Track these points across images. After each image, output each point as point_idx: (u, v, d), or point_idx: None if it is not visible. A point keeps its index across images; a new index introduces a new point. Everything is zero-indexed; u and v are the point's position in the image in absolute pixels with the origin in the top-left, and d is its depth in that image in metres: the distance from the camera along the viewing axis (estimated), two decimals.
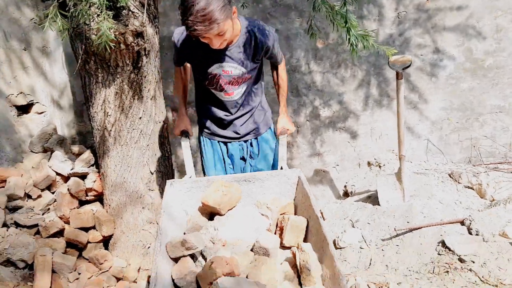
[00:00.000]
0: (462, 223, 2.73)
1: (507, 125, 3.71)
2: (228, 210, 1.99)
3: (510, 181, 3.30)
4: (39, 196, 3.03)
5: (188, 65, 2.40)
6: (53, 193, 3.07)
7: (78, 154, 3.26)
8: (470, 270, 2.35)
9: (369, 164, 3.78)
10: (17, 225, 2.88)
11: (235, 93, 2.25)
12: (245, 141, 2.45)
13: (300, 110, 3.54)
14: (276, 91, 2.51)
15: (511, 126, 3.70)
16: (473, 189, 3.25)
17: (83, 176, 3.05)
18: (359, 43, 2.45)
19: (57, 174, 3.09)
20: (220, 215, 1.99)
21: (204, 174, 2.56)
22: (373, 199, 3.32)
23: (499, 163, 3.69)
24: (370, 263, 2.70)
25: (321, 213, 3.72)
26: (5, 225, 2.82)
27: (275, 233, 1.99)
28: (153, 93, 2.69)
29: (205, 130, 2.45)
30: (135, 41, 2.35)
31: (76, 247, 2.89)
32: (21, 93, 3.15)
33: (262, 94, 2.45)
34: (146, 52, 2.49)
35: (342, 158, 3.71)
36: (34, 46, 3.14)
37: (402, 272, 2.55)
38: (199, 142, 2.52)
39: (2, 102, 3.04)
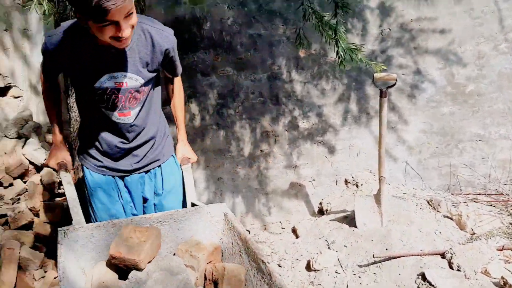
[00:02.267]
0: (443, 255, 2.65)
1: (486, 155, 3.67)
2: (148, 263, 1.53)
3: (490, 214, 3.23)
4: (11, 185, 2.93)
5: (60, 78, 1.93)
6: (25, 182, 2.96)
7: None
8: None
9: (346, 182, 3.70)
10: None
11: (132, 113, 1.76)
12: (146, 172, 1.93)
13: (279, 119, 3.50)
14: (172, 111, 2.07)
15: (491, 156, 3.67)
16: (452, 219, 3.18)
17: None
18: (347, 56, 2.47)
19: (30, 163, 2.99)
20: (138, 269, 1.49)
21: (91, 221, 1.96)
22: (349, 220, 3.24)
23: (478, 194, 3.63)
24: None
25: (295, 230, 3.63)
26: None
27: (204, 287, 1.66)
28: None
29: (92, 161, 1.88)
30: None
31: (44, 242, 2.74)
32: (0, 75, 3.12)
33: (162, 114, 1.98)
34: None
35: (319, 172, 3.64)
36: (16, 27, 3.13)
37: None
38: (84, 177, 1.93)
39: None
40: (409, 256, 2.66)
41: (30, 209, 2.80)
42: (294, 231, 3.65)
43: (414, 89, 3.51)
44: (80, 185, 2.09)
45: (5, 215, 2.79)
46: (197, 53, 3.27)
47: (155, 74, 1.76)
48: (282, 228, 3.72)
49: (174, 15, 3.16)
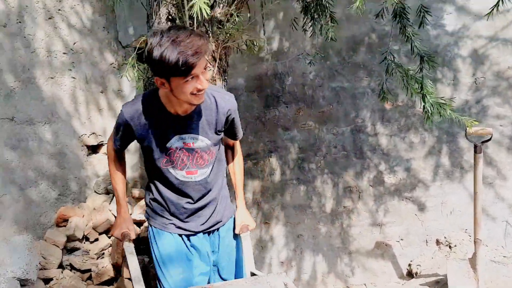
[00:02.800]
0: None
1: None
2: None
3: None
4: (96, 240, 3.02)
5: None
6: (109, 237, 3.05)
7: (139, 199, 3.24)
8: None
9: (438, 242, 3.39)
10: (71, 267, 2.86)
11: (199, 172, 1.85)
12: (210, 233, 1.99)
13: (363, 174, 3.34)
14: (231, 177, 2.12)
15: None
16: None
17: (140, 223, 2.97)
18: (434, 111, 2.32)
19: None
20: None
21: (156, 280, 2.00)
22: (441, 285, 2.95)
23: None
24: None
25: None
26: (60, 266, 2.82)
27: None
28: None
29: (160, 220, 1.94)
30: None
31: None
32: (93, 133, 3.30)
33: (224, 176, 2.03)
34: None
35: (408, 232, 3.38)
36: (110, 89, 3.33)
37: None
38: (151, 236, 1.98)
39: (75, 142, 3.18)
40: None
41: (113, 265, 2.84)
42: None
43: None
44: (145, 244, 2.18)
45: (89, 270, 2.85)
46: (278, 108, 3.25)
47: (219, 136, 1.88)
48: None
49: (257, 72, 3.19)
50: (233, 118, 1.88)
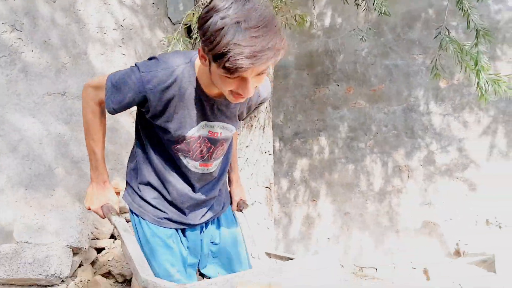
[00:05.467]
0: None
1: None
2: None
3: None
4: None
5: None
6: None
7: None
8: None
9: (487, 222, 3.34)
10: None
11: (213, 164, 1.52)
12: (208, 223, 1.65)
13: (413, 153, 3.28)
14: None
15: None
16: None
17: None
18: (489, 87, 2.23)
19: None
20: None
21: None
22: (489, 264, 2.92)
23: None
24: None
25: (426, 271, 3.36)
26: (112, 236, 2.88)
27: None
28: (263, 123, 2.67)
29: (152, 212, 1.53)
30: None
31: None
32: None
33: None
34: None
35: (457, 211, 3.34)
36: None
37: None
38: (139, 230, 1.56)
39: (125, 118, 3.23)
40: None
41: None
42: (425, 272, 3.38)
43: None
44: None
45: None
46: (329, 86, 3.20)
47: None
48: (413, 268, 3.47)
49: (308, 49, 3.13)
50: (261, 105, 1.57)
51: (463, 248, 3.33)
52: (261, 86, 1.43)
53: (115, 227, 1.47)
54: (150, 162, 1.49)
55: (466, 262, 3.12)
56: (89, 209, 1.55)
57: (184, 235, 1.59)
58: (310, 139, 3.34)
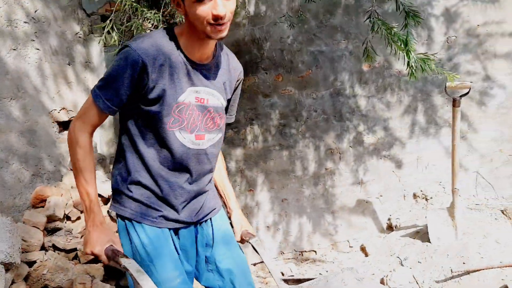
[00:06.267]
0: None
1: None
2: None
3: None
4: (78, 218, 2.90)
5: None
6: None
7: None
8: None
9: (415, 196, 3.56)
10: (55, 248, 2.75)
11: (206, 137, 1.50)
12: (200, 223, 1.61)
13: (343, 136, 3.40)
14: (219, 173, 1.72)
15: None
16: None
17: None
18: (418, 66, 2.37)
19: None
20: None
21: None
22: (422, 235, 3.13)
23: None
24: None
25: (364, 248, 3.51)
26: (43, 248, 2.69)
27: None
28: None
29: (142, 212, 1.48)
30: None
31: (113, 275, 2.71)
32: (63, 108, 3.12)
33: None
34: None
35: (386, 188, 3.51)
36: (78, 61, 3.14)
37: None
38: (133, 235, 1.49)
39: (44, 118, 3.00)
40: (489, 269, 2.56)
41: None
42: (363, 249, 3.53)
43: (484, 96, 3.35)
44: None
45: (75, 250, 2.77)
46: (258, 74, 3.21)
47: (227, 104, 1.59)
48: (350, 246, 3.60)
49: (234, 38, 3.10)
50: (239, 90, 1.63)
51: (395, 222, 3.52)
52: (233, 61, 1.57)
53: (126, 269, 1.36)
54: (141, 160, 1.46)
55: (399, 235, 3.30)
56: (92, 254, 1.43)
57: (178, 237, 1.55)
58: (243, 128, 3.33)
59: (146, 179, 1.47)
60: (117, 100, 1.39)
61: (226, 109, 1.60)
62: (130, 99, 1.41)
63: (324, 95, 3.30)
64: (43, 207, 2.84)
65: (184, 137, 1.45)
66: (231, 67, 1.56)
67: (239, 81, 1.61)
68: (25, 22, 2.84)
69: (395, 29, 2.38)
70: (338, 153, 3.42)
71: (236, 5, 1.69)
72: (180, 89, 1.42)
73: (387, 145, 3.44)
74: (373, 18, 2.45)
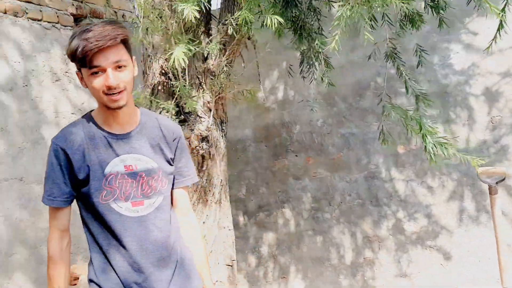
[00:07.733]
0: None
1: None
2: None
3: None
4: None
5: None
6: None
7: None
8: None
9: None
10: None
11: (145, 203, 1.48)
12: None
13: (381, 222, 3.17)
14: (195, 251, 1.63)
15: None
16: None
17: None
18: (437, 151, 2.22)
19: None
20: None
21: None
22: None
23: None
24: None
25: None
26: None
27: None
28: (218, 197, 2.63)
29: None
30: (200, 145, 2.39)
31: None
32: None
33: (181, 236, 1.60)
34: (211, 156, 2.50)
35: (435, 282, 3.13)
36: None
37: None
38: None
39: None
40: None
41: None
42: None
43: None
44: None
45: None
46: (287, 157, 3.20)
47: (171, 168, 1.56)
48: None
49: (264, 122, 3.19)
50: (183, 149, 1.61)
51: None
52: (164, 121, 1.59)
53: None
54: (96, 250, 1.53)
55: None
56: None
57: None
58: (274, 212, 3.27)
59: (107, 270, 1.50)
60: (57, 191, 1.47)
61: (180, 171, 1.59)
62: (73, 187, 1.48)
63: (358, 179, 3.17)
64: (75, 284, 2.93)
65: (120, 206, 1.46)
66: (162, 127, 1.56)
67: (177, 139, 1.58)
68: (72, 113, 3.17)
69: (410, 112, 2.29)
70: (377, 241, 3.18)
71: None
72: (103, 161, 1.45)
73: (432, 234, 3.13)
74: (383, 102, 2.39)
